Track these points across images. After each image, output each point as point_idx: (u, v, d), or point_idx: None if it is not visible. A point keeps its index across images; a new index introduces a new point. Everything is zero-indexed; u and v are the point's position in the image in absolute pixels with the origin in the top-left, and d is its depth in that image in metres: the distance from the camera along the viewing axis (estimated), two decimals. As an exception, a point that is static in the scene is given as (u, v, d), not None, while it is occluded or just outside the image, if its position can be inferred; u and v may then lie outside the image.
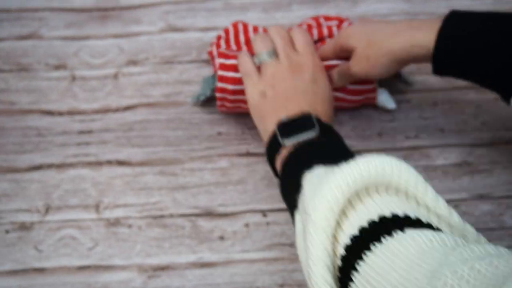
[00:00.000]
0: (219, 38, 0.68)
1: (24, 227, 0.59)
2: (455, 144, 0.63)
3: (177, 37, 0.74)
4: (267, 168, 0.62)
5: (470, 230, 0.39)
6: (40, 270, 0.56)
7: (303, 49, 0.57)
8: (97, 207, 0.60)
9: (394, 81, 0.66)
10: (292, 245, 0.57)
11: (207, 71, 0.70)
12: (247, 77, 0.57)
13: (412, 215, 0.37)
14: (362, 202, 0.38)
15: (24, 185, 0.62)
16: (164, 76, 0.71)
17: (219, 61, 0.62)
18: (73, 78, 0.71)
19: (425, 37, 0.52)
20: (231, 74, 0.61)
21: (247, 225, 0.58)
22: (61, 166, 0.63)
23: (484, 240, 0.39)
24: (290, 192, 0.47)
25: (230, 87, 0.61)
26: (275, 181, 0.61)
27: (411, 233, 0.35)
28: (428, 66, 0.70)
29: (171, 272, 0.56)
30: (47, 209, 0.60)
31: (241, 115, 0.66)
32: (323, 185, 0.39)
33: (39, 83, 0.71)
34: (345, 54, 0.59)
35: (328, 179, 0.39)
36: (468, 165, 0.62)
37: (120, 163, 0.63)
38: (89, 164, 0.63)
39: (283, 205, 0.59)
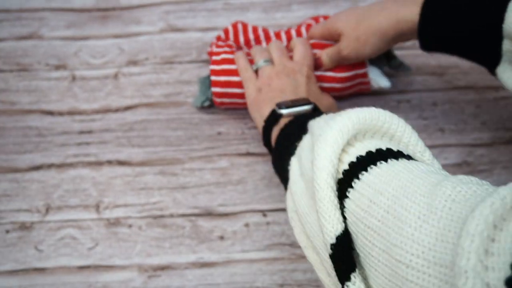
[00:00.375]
0: (218, 38, 0.69)
1: (24, 227, 0.59)
2: (455, 144, 0.63)
3: (177, 37, 0.74)
4: (267, 168, 0.62)
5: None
6: (41, 270, 0.56)
7: (300, 59, 0.60)
8: (97, 207, 0.60)
9: (391, 69, 0.66)
10: (292, 245, 0.57)
11: (207, 71, 0.70)
12: (246, 81, 0.61)
13: (404, 151, 0.39)
14: (360, 141, 0.40)
15: (25, 185, 0.62)
16: (164, 76, 0.71)
17: (210, 67, 0.64)
18: (73, 78, 0.71)
19: (410, 11, 0.53)
20: (222, 78, 0.63)
21: (247, 225, 0.58)
22: (61, 166, 0.63)
23: None
24: (290, 142, 0.48)
25: (222, 90, 0.64)
26: (276, 181, 0.61)
27: (405, 161, 0.37)
28: (428, 66, 0.70)
29: (171, 272, 0.56)
30: (47, 209, 0.60)
31: (241, 116, 0.66)
32: (334, 119, 0.41)
33: (39, 83, 0.71)
34: (333, 38, 0.61)
35: (335, 118, 0.41)
36: (468, 165, 0.62)
37: (121, 163, 0.63)
38: (89, 164, 0.63)
39: (283, 205, 0.59)
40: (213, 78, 0.63)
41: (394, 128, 0.40)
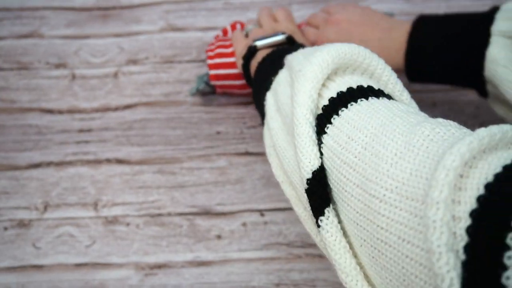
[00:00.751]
0: (216, 38, 0.69)
1: (22, 224, 0.59)
2: (453, 145, 0.63)
3: (177, 37, 0.75)
4: (265, 167, 0.62)
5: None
6: (38, 267, 0.56)
7: (283, 20, 0.61)
8: (95, 205, 0.60)
9: None
10: (289, 244, 0.57)
11: (206, 70, 0.70)
12: (235, 41, 0.62)
13: (384, 91, 0.40)
14: (341, 76, 0.41)
15: (24, 183, 0.62)
16: (164, 75, 0.71)
17: (210, 72, 0.65)
18: (73, 77, 0.71)
19: (396, 52, 0.56)
20: (218, 60, 0.65)
21: (244, 224, 0.59)
22: (60, 164, 0.64)
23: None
24: (267, 76, 0.49)
25: (221, 82, 0.65)
26: (274, 180, 0.61)
27: (385, 100, 0.38)
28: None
29: (168, 271, 0.56)
30: (46, 207, 0.60)
31: (240, 115, 0.66)
32: (313, 54, 0.41)
33: (40, 82, 0.71)
34: None
35: (315, 53, 0.41)
36: (467, 166, 0.61)
37: (119, 161, 0.64)
38: (88, 162, 0.64)
39: (281, 204, 0.59)
40: (209, 61, 0.65)
41: (374, 65, 0.41)
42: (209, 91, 0.67)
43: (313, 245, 0.57)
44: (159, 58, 0.72)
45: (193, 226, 0.59)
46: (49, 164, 0.64)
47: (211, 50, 0.65)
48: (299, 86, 0.39)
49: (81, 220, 0.59)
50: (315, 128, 0.39)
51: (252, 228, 0.58)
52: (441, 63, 0.55)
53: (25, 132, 0.66)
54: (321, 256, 0.56)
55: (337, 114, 0.38)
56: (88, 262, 0.57)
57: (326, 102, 0.39)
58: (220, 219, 0.59)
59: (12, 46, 0.75)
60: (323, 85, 0.40)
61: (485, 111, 0.66)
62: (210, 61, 0.65)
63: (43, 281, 0.56)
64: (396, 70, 0.54)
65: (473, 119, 0.65)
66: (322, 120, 0.38)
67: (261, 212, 0.59)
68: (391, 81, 0.41)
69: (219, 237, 0.58)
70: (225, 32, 0.69)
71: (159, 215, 0.59)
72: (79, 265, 0.57)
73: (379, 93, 0.39)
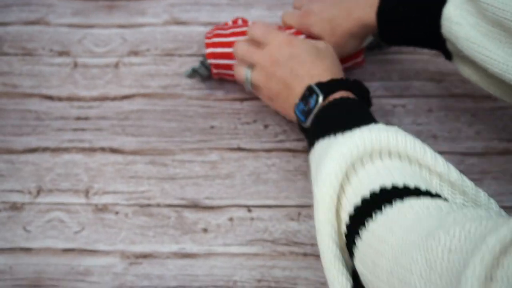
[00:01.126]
0: (216, 27, 0.69)
1: (15, 207, 0.61)
2: (446, 151, 0.63)
3: (179, 30, 0.75)
4: (256, 164, 0.63)
5: (469, 184, 0.42)
6: (27, 250, 0.58)
7: (264, 39, 0.60)
8: (86, 193, 0.61)
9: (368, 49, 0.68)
10: (274, 241, 0.57)
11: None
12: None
13: (412, 184, 0.40)
14: (365, 169, 0.41)
15: (19, 167, 0.63)
16: (164, 68, 0.71)
17: (207, 51, 0.65)
18: (75, 65, 0.72)
19: (369, 17, 0.59)
20: (221, 61, 0.65)
21: (231, 219, 0.59)
22: (56, 150, 0.65)
23: (483, 194, 0.41)
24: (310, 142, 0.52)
25: (219, 71, 0.67)
26: (263, 177, 0.62)
27: (409, 202, 0.38)
28: (426, 72, 0.70)
29: (153, 260, 0.57)
30: (39, 191, 0.62)
31: (235, 110, 0.67)
32: (323, 161, 0.42)
33: (42, 68, 0.72)
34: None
35: (327, 154, 0.43)
36: (458, 174, 0.61)
37: (113, 150, 0.64)
38: (83, 150, 0.65)
39: (268, 201, 0.60)
40: (207, 40, 0.66)
41: (402, 148, 0.41)
42: (205, 74, 0.67)
43: (297, 244, 0.57)
44: (160, 51, 0.73)
45: (180, 218, 0.59)
46: (45, 149, 0.65)
47: (209, 33, 0.67)
48: (319, 197, 0.41)
49: (72, 206, 0.61)
50: (344, 242, 0.40)
51: (238, 223, 0.59)
52: (406, 24, 0.57)
53: (24, 117, 0.68)
54: (305, 255, 0.56)
55: (359, 235, 0.39)
56: (75, 248, 0.58)
57: (347, 221, 0.40)
58: (207, 213, 0.60)
59: (19, 32, 0.76)
60: (347, 176, 0.41)
61: (480, 120, 0.65)
62: (207, 40, 0.66)
63: (31, 264, 0.57)
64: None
65: (467, 127, 0.65)
66: (349, 238, 0.40)
67: (249, 208, 0.60)
68: (419, 153, 0.42)
69: (205, 230, 0.58)
70: (225, 27, 0.70)
71: (148, 205, 0.60)
72: (66, 250, 0.58)
73: (403, 193, 0.39)
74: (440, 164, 0.41)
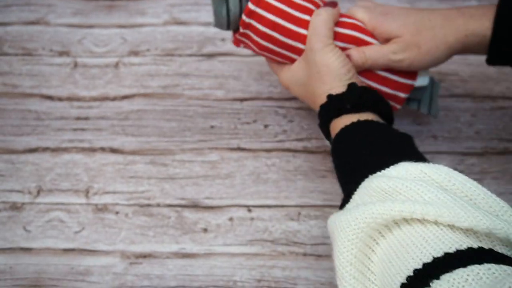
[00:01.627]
0: None
1: (15, 207, 0.61)
2: (446, 151, 0.63)
3: (179, 30, 0.75)
4: (256, 164, 0.63)
5: None
6: (27, 250, 0.58)
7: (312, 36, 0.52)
8: (86, 192, 0.61)
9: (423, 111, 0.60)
10: (274, 241, 0.57)
11: (206, 65, 0.71)
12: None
13: (475, 245, 0.35)
14: (411, 226, 0.37)
15: (19, 167, 0.63)
16: (164, 68, 0.72)
17: None
18: (75, 65, 0.72)
19: (480, 25, 0.50)
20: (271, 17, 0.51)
21: (231, 219, 0.59)
22: (56, 150, 0.65)
23: None
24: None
25: (261, 28, 0.52)
26: (263, 177, 0.61)
27: (472, 268, 0.33)
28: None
29: (153, 260, 0.57)
30: (39, 191, 0.62)
31: (235, 110, 0.67)
32: (341, 231, 0.40)
33: (42, 68, 0.72)
34: (378, 38, 0.54)
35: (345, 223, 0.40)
36: (458, 173, 0.61)
37: (113, 150, 0.64)
38: (83, 150, 0.65)
39: (268, 201, 0.60)
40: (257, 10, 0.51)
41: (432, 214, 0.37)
42: (233, 20, 0.53)
43: (297, 243, 0.57)
44: (160, 51, 0.73)
45: (180, 218, 0.59)
46: (45, 149, 0.65)
47: None
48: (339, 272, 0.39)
49: (72, 206, 0.61)
50: None
51: (238, 223, 0.59)
52: None
53: (24, 117, 0.68)
54: (304, 255, 0.56)
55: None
56: (75, 248, 0.58)
57: (404, 280, 0.35)
58: (207, 213, 0.60)
59: (19, 32, 0.76)
60: (369, 246, 0.39)
61: (480, 120, 0.65)
62: None
63: (31, 263, 0.57)
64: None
65: (467, 127, 0.65)
66: None
67: (249, 208, 0.60)
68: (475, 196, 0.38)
69: (205, 230, 0.58)
70: None
71: (148, 205, 0.60)
72: (66, 250, 0.58)
73: (439, 270, 0.34)
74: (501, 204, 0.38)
